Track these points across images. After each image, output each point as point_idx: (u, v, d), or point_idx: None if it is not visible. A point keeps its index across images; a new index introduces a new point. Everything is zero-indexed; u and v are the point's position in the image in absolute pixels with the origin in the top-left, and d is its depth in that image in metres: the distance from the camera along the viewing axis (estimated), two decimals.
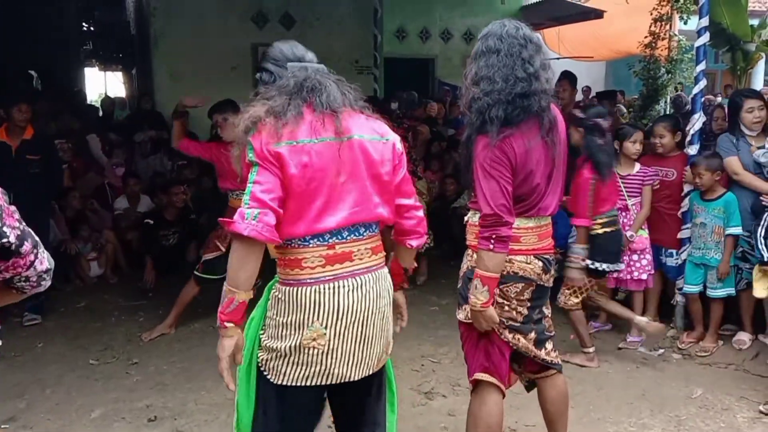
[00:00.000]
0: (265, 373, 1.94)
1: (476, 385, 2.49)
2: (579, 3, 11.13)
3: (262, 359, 1.94)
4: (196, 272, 4.48)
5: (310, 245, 1.86)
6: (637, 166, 4.39)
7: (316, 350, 1.86)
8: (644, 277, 4.36)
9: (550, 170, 2.38)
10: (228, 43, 8.71)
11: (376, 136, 1.95)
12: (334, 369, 1.89)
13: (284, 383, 1.90)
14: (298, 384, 1.90)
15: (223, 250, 4.37)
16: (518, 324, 2.44)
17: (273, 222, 1.77)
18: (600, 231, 3.88)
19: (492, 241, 2.25)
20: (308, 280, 1.86)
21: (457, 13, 11.06)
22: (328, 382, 1.91)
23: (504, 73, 2.25)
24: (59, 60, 14.02)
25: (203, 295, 5.35)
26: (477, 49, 2.36)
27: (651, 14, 10.45)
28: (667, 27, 10.66)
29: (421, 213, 2.10)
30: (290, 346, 1.87)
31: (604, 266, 3.91)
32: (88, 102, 10.92)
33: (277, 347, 1.89)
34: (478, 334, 2.45)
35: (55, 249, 5.41)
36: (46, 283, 1.58)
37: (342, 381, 1.92)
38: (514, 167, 2.26)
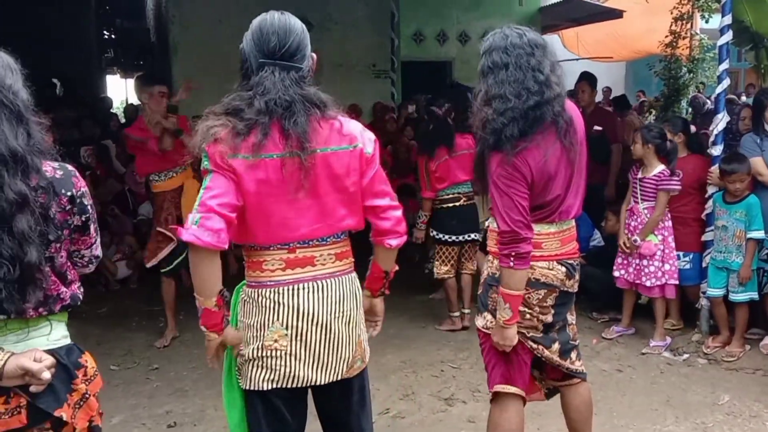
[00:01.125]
0: (238, 378, 1.95)
1: (496, 394, 2.46)
2: (598, 3, 11.02)
3: (238, 363, 1.95)
4: (162, 271, 4.49)
5: (271, 249, 1.86)
6: (657, 169, 4.21)
7: (279, 352, 1.86)
8: (648, 284, 4.24)
9: (570, 173, 2.32)
10: None
11: (344, 145, 1.87)
12: (299, 371, 1.88)
13: (251, 388, 1.90)
14: (265, 388, 1.88)
15: (175, 240, 4.34)
16: (540, 335, 2.39)
17: (217, 226, 1.73)
18: (439, 206, 4.56)
19: (512, 258, 2.21)
20: (269, 282, 1.86)
21: (474, 15, 11.00)
22: (294, 385, 1.89)
23: (515, 89, 2.19)
24: (81, 68, 14.23)
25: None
26: (483, 65, 2.29)
27: (671, 13, 10.31)
28: (688, 26, 10.52)
29: (398, 213, 2.01)
30: (255, 349, 1.87)
31: (444, 236, 4.56)
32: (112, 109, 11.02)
33: (244, 352, 1.90)
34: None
35: None
36: (92, 267, 1.79)
37: (309, 384, 1.91)
38: (530, 182, 2.22)
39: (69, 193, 1.60)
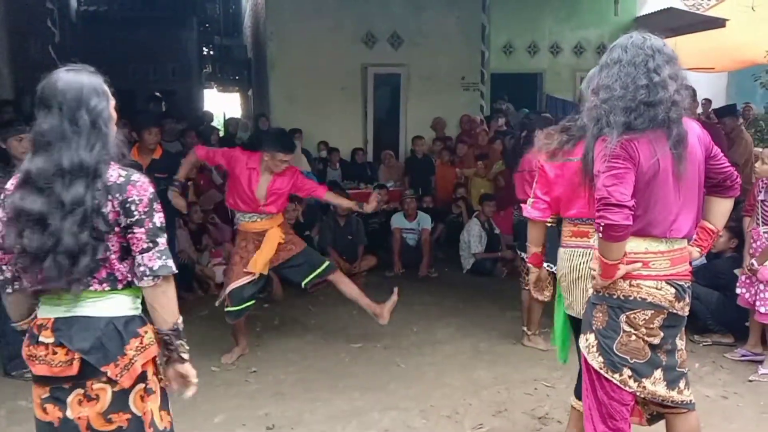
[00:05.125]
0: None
1: None
2: (698, 12, 10.58)
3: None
4: (226, 309, 4.39)
5: (567, 222, 2.83)
6: None
7: (563, 286, 2.82)
8: (762, 309, 4.03)
9: (679, 188, 2.26)
10: (339, 64, 8.99)
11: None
12: (573, 305, 2.78)
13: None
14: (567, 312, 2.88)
15: (256, 274, 4.32)
16: (642, 362, 2.33)
17: (541, 207, 2.85)
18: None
19: (602, 226, 2.18)
20: (563, 244, 2.84)
21: (567, 26, 10.83)
22: (570, 313, 2.84)
23: (623, 81, 2.22)
24: (182, 82, 15.07)
25: (315, 308, 5.55)
26: (602, 61, 2.35)
27: None
28: None
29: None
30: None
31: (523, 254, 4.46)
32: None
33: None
34: (598, 379, 2.38)
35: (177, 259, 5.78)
36: (147, 281, 1.92)
37: (577, 316, 2.73)
38: (636, 168, 2.18)
39: (120, 198, 1.86)
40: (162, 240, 1.90)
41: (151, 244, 1.88)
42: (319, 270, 4.49)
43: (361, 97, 9.35)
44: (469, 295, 5.95)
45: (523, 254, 4.51)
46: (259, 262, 4.33)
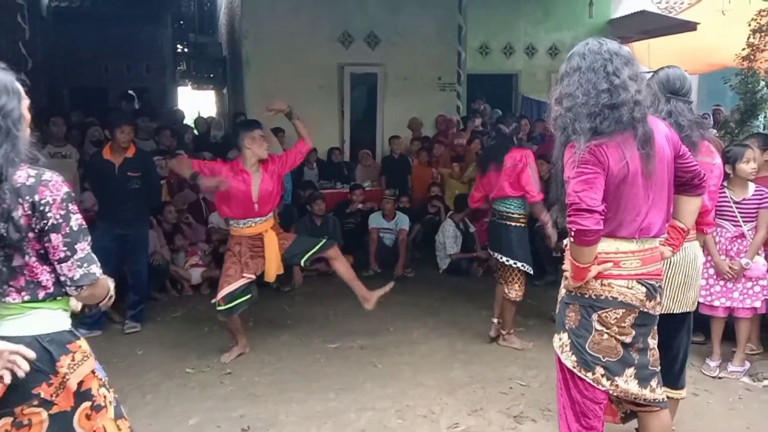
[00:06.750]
0: None
1: None
2: (670, 15, 10.75)
3: None
4: (218, 308, 4.32)
5: None
6: (752, 189, 4.07)
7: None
8: (758, 304, 4.10)
9: (648, 187, 2.30)
10: (315, 62, 8.95)
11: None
12: (665, 302, 2.72)
13: None
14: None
15: (254, 277, 4.35)
16: (614, 360, 2.35)
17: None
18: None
19: (573, 231, 2.22)
20: None
21: (542, 27, 10.93)
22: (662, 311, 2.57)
23: (585, 87, 2.25)
24: (156, 80, 14.90)
25: (291, 308, 5.53)
26: (561, 70, 2.39)
27: (749, 25, 9.94)
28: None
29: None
30: None
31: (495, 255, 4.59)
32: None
33: None
34: (571, 378, 2.41)
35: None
36: (72, 291, 1.83)
37: (668, 312, 2.75)
38: (606, 172, 2.22)
39: (31, 200, 1.72)
40: (81, 245, 1.78)
41: (69, 252, 1.76)
42: (316, 248, 4.48)
43: (337, 97, 9.32)
44: (445, 295, 5.97)
45: (496, 255, 4.55)
46: (271, 271, 4.38)
